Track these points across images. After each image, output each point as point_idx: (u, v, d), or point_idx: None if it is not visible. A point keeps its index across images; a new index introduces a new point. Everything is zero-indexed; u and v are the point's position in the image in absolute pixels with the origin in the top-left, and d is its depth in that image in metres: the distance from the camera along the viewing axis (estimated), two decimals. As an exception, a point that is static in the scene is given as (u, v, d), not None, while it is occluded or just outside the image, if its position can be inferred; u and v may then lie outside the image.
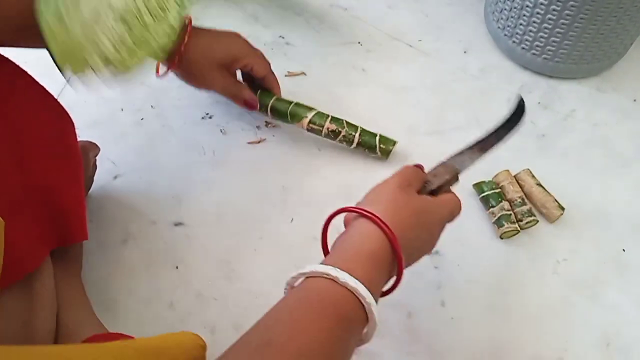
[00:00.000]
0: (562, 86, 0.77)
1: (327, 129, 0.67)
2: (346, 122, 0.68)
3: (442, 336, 0.57)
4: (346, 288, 0.38)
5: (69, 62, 0.42)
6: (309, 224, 0.64)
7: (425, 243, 0.48)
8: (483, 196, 0.64)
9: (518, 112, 0.58)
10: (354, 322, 0.38)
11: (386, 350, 0.56)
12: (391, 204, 0.44)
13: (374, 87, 0.76)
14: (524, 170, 0.66)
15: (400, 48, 0.81)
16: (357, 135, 0.67)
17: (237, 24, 0.82)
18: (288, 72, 0.77)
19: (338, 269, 0.38)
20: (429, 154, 0.70)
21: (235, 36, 0.65)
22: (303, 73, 0.77)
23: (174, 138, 0.70)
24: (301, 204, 0.66)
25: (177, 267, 0.61)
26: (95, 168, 0.65)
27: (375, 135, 0.68)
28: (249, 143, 0.70)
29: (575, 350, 0.56)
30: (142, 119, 0.72)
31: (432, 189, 0.51)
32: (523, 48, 0.75)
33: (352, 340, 0.38)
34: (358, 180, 0.67)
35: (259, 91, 0.68)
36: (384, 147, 0.67)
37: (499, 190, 0.64)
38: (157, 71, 0.63)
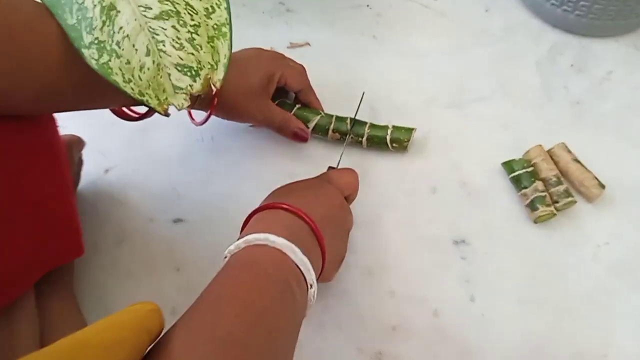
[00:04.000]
0: (597, 46, 0.70)
1: (331, 138, 0.63)
2: (351, 119, 0.62)
3: (472, 335, 0.53)
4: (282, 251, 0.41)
5: (149, 94, 0.39)
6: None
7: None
8: (513, 176, 0.59)
9: None
10: (297, 282, 0.41)
11: (412, 352, 0.53)
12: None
13: (387, 56, 0.70)
14: (558, 144, 0.61)
15: (413, 9, 0.74)
16: (365, 133, 0.62)
17: (231, -10, 0.75)
18: (290, 43, 0.71)
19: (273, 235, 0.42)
20: (453, 129, 0.65)
21: (260, 52, 0.60)
22: (307, 44, 0.71)
23: (169, 123, 0.65)
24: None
25: (178, 269, 0.58)
26: (82, 164, 0.60)
27: (387, 128, 0.62)
28: (251, 126, 0.65)
29: (621, 345, 0.52)
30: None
31: None
32: (553, 4, 0.69)
33: (299, 301, 0.41)
34: (374, 167, 0.63)
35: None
36: (396, 145, 0.62)
37: (531, 168, 0.59)
38: (191, 117, 0.58)
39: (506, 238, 0.58)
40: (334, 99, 0.64)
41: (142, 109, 0.52)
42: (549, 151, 0.61)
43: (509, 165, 0.60)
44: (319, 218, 0.46)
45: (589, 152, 0.61)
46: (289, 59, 0.63)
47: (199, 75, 0.40)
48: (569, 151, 0.60)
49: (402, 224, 0.59)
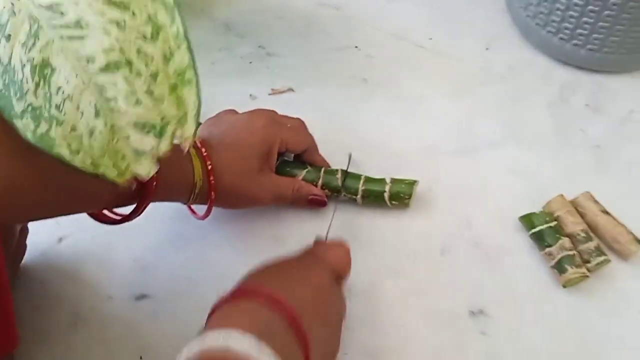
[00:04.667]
0: (613, 82, 0.64)
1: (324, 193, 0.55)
2: (343, 172, 0.55)
3: None
4: None
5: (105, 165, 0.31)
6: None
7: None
8: (534, 232, 0.51)
9: None
10: None
11: None
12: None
13: (380, 100, 0.64)
14: (583, 193, 0.53)
15: (407, 49, 0.68)
16: (359, 189, 0.54)
17: (206, 36, 0.69)
18: (272, 89, 0.64)
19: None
20: (461, 179, 0.57)
21: (250, 122, 0.52)
22: (290, 89, 0.64)
23: (134, 183, 0.57)
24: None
25: (141, 357, 0.48)
26: (26, 232, 0.52)
27: (384, 182, 0.54)
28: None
29: None
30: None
31: None
32: (561, 38, 0.63)
33: None
34: (372, 225, 0.55)
35: None
36: (396, 202, 0.54)
37: (554, 223, 0.51)
38: (193, 211, 0.52)
39: (532, 307, 0.49)
40: (322, 149, 0.56)
41: (126, 210, 0.45)
42: (572, 202, 0.53)
43: (528, 220, 0.52)
44: (303, 306, 0.38)
45: (617, 201, 0.53)
46: (284, 117, 0.55)
47: (164, 132, 0.33)
48: (596, 201, 0.53)
49: (407, 294, 0.51)
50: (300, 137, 0.54)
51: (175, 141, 0.33)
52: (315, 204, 0.54)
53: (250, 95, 0.63)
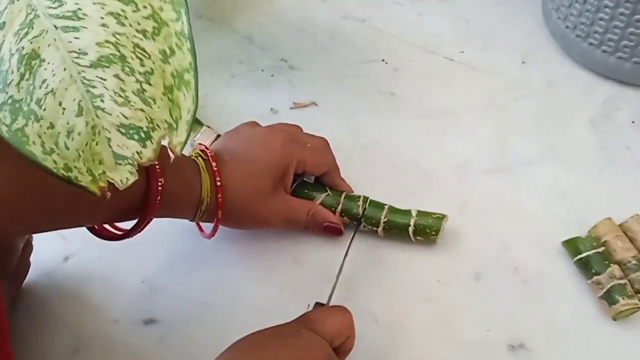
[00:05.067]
0: (661, 98, 0.60)
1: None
2: (364, 198, 0.51)
3: None
4: None
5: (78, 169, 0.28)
6: (334, 311, 0.47)
7: None
8: (580, 259, 0.47)
9: None
10: None
11: None
12: None
13: (408, 116, 0.60)
14: (632, 217, 0.49)
15: (437, 63, 0.65)
16: (381, 221, 0.50)
17: (227, 48, 0.67)
18: (294, 103, 0.61)
19: None
20: (496, 200, 0.53)
21: (267, 138, 0.48)
22: (314, 103, 0.61)
23: (146, 199, 0.55)
24: (319, 280, 0.49)
25: (146, 388, 0.45)
26: (30, 249, 0.49)
27: (410, 215, 0.49)
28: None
29: None
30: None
31: None
32: (604, 51, 0.59)
33: None
34: (398, 247, 0.51)
35: None
36: (421, 238, 0.49)
37: (602, 248, 0.46)
38: (201, 229, 0.50)
39: (578, 341, 0.45)
40: (346, 166, 0.53)
41: (127, 225, 0.42)
42: (621, 226, 0.49)
43: (572, 245, 0.48)
44: None
45: (671, 225, 0.48)
46: (305, 134, 0.52)
47: (150, 138, 0.29)
48: (648, 225, 0.48)
49: (438, 324, 0.46)
50: (321, 159, 0.51)
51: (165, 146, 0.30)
52: (331, 232, 0.50)
53: (272, 109, 0.60)
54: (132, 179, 0.28)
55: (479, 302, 0.47)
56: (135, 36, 0.28)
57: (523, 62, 0.64)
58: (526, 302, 0.47)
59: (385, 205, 0.50)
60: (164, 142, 0.30)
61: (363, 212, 0.50)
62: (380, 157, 0.56)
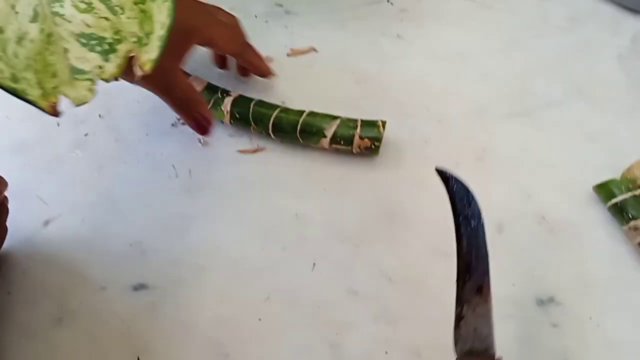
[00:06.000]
0: (694, 30, 0.55)
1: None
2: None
3: None
4: None
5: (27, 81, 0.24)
6: (341, 268, 0.44)
7: None
8: (614, 203, 0.43)
9: (459, 194, 0.36)
10: None
11: None
12: None
13: (418, 59, 0.56)
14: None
15: (448, 2, 0.60)
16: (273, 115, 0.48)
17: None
18: (291, 49, 0.57)
19: None
20: (517, 145, 0.49)
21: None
22: (313, 49, 0.57)
23: (133, 157, 0.51)
24: (325, 239, 0.45)
25: (138, 358, 0.41)
26: (6, 212, 0.45)
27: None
28: (240, 152, 0.50)
29: None
30: (86, 135, 0.52)
31: None
32: (633, -21, 0.54)
33: None
34: (398, 193, 0.47)
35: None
36: (309, 133, 0.48)
37: (638, 191, 0.42)
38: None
39: (614, 293, 0.41)
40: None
41: None
42: (658, 166, 0.45)
43: (605, 189, 0.44)
44: None
45: None
46: (220, 10, 0.48)
47: (114, 50, 0.25)
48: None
49: (459, 280, 0.43)
50: (233, 36, 0.48)
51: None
52: (197, 126, 0.46)
53: (267, 56, 0.56)
54: (90, 97, 0.25)
55: (502, 255, 0.43)
56: None
57: (542, -2, 0.59)
58: (554, 253, 0.43)
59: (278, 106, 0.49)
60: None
61: (252, 111, 0.49)
62: (388, 106, 0.52)
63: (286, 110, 0.49)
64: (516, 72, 0.54)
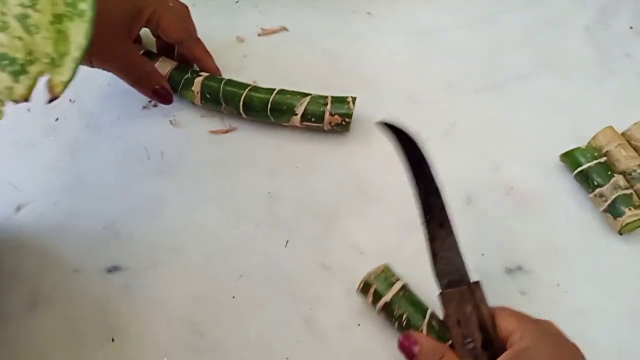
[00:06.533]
0: (661, 1, 0.56)
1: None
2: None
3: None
4: None
5: None
6: (314, 244, 0.44)
7: None
8: (580, 171, 0.43)
9: (405, 141, 0.37)
10: None
11: None
12: None
13: (388, 36, 0.56)
14: (635, 123, 0.45)
15: (417, -21, 0.60)
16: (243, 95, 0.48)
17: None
18: (262, 29, 0.56)
19: None
20: (487, 118, 0.50)
21: None
22: (284, 28, 0.56)
23: (104, 141, 0.50)
24: (297, 215, 0.46)
25: (112, 340, 0.41)
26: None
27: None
28: (212, 132, 0.50)
29: None
30: (56, 120, 0.52)
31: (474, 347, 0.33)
32: (598, -49, 0.54)
33: None
34: (369, 169, 0.47)
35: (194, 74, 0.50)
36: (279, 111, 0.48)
37: (604, 159, 0.43)
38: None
39: (581, 259, 0.42)
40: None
41: None
42: (624, 134, 0.45)
43: (571, 158, 0.44)
44: None
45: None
46: None
47: (25, 72, 0.25)
48: (652, 132, 0.45)
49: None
50: (179, 22, 0.49)
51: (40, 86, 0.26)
52: (158, 97, 0.48)
53: (237, 37, 0.56)
54: None
55: (471, 226, 0.44)
56: None
57: (510, -27, 0.59)
58: (523, 222, 0.44)
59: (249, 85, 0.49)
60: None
61: (222, 90, 0.49)
62: (360, 82, 0.52)
63: (256, 88, 0.49)
64: (485, 47, 0.54)
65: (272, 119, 0.48)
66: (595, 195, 0.42)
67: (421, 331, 0.37)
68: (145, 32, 0.51)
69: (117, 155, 0.50)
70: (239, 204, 0.47)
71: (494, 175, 0.46)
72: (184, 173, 0.48)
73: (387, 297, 0.39)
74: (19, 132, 0.51)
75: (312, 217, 0.45)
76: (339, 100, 0.47)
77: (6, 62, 0.25)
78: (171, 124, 0.51)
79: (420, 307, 0.39)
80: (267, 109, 0.48)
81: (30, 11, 0.25)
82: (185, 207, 0.47)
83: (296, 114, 0.47)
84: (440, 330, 0.37)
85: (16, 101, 0.25)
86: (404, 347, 0.35)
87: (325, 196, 0.46)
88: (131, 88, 0.49)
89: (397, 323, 0.38)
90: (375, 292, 0.39)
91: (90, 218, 0.47)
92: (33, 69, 0.25)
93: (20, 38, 0.25)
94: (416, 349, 0.34)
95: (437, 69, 0.53)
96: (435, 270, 0.36)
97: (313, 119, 0.47)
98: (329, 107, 0.47)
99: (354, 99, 0.47)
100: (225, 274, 0.44)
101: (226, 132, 0.50)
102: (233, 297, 0.42)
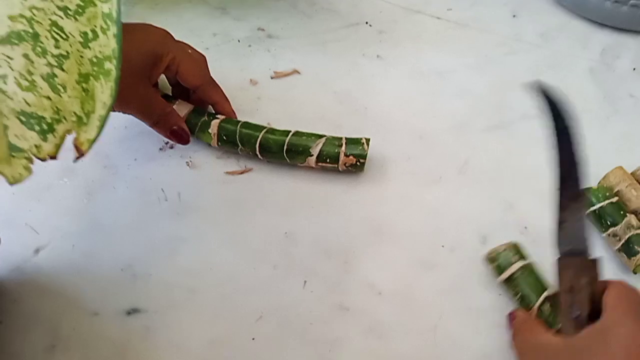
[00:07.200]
0: (660, 43, 0.57)
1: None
2: (242, 123, 0.50)
3: None
4: None
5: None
6: (331, 284, 0.44)
7: None
8: (593, 211, 0.44)
9: (556, 109, 0.39)
10: None
11: None
12: None
13: (397, 77, 0.57)
14: (643, 165, 0.46)
15: (424, 23, 0.62)
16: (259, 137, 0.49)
17: (201, 21, 0.63)
18: (275, 72, 0.57)
19: None
20: (497, 158, 0.50)
21: (149, 27, 0.48)
22: (296, 71, 0.58)
23: (122, 183, 0.51)
24: (315, 256, 0.46)
25: (133, 383, 0.41)
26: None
27: (287, 133, 0.49)
28: (227, 173, 0.50)
29: None
30: (74, 162, 0.52)
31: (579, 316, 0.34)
32: (600, -4, 0.56)
33: None
34: (390, 208, 0.48)
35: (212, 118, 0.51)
36: (295, 153, 0.49)
37: (615, 199, 0.44)
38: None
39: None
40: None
41: None
42: (633, 174, 0.46)
43: (583, 197, 0.45)
44: None
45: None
46: (187, 45, 0.50)
47: (52, 130, 0.26)
48: (661, 172, 0.45)
49: (446, 292, 0.43)
50: (197, 68, 0.50)
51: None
52: (176, 137, 0.49)
53: (251, 80, 0.57)
54: (26, 175, 0.25)
55: (488, 266, 0.44)
56: (55, 13, 0.25)
57: (514, 16, 0.61)
58: (537, 262, 0.44)
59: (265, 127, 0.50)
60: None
61: (239, 133, 0.49)
62: (371, 122, 0.53)
63: (272, 130, 0.49)
64: (492, 87, 0.55)
65: (287, 159, 0.49)
66: (609, 235, 0.43)
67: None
68: (161, 77, 0.52)
69: (134, 196, 0.50)
70: (256, 245, 0.47)
71: (508, 213, 0.47)
72: (200, 214, 0.48)
73: (506, 274, 0.41)
74: (37, 174, 0.51)
75: (329, 258, 0.45)
76: (354, 142, 0.48)
77: (34, 120, 0.25)
78: (187, 165, 0.51)
79: (538, 287, 0.41)
80: (283, 150, 0.48)
81: (57, 70, 0.26)
82: (202, 248, 0.47)
83: (312, 155, 0.48)
84: (550, 315, 0.39)
85: (43, 159, 0.25)
86: (509, 320, 0.40)
87: (341, 236, 0.46)
88: (147, 130, 0.50)
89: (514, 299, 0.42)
90: (498, 266, 0.42)
91: (108, 260, 0.47)
92: (60, 128, 0.26)
93: (47, 97, 0.25)
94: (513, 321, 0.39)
95: (446, 110, 0.54)
96: (558, 237, 0.37)
97: (328, 160, 0.48)
98: (343, 148, 0.47)
99: (367, 140, 0.48)
100: (243, 316, 0.43)
101: (242, 173, 0.50)
102: (252, 339, 0.42)
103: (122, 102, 0.47)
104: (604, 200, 0.43)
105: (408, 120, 0.53)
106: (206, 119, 0.50)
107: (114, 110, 0.47)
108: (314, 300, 0.44)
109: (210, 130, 0.50)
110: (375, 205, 0.48)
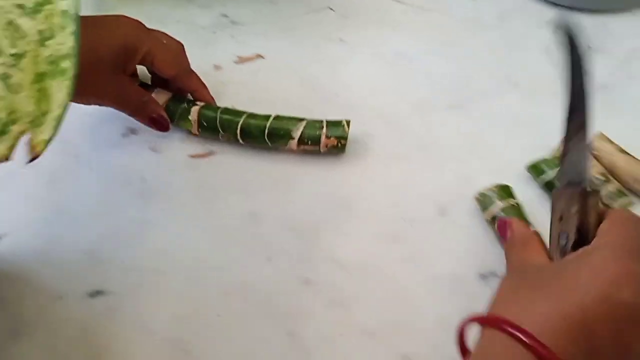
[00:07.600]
0: (613, 23, 0.59)
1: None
2: (221, 109, 0.51)
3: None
4: None
5: None
6: (296, 260, 0.45)
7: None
8: (547, 182, 0.45)
9: (574, 45, 0.39)
10: None
11: None
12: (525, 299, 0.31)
13: (361, 61, 0.58)
14: (595, 134, 0.47)
15: (385, 7, 0.62)
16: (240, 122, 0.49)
17: (162, 9, 0.63)
18: (239, 57, 0.58)
19: None
20: (457, 135, 0.51)
21: (121, 18, 0.47)
22: (260, 56, 0.58)
23: (85, 169, 0.50)
24: (280, 233, 0.46)
25: (98, 363, 0.41)
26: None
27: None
28: (192, 157, 0.51)
29: None
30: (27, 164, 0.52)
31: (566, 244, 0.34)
32: (553, -23, 0.57)
33: None
34: (352, 186, 0.49)
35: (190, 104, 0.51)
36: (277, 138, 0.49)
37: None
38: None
39: (553, 264, 0.43)
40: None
41: None
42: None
43: (536, 168, 0.46)
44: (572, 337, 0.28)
45: (631, 140, 0.47)
46: (163, 34, 0.50)
47: (6, 131, 0.26)
48: (610, 141, 0.47)
49: (406, 262, 0.44)
50: (173, 58, 0.50)
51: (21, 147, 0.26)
52: (155, 124, 0.49)
53: (215, 65, 0.57)
54: None
55: (445, 237, 0.45)
56: (12, 12, 0.25)
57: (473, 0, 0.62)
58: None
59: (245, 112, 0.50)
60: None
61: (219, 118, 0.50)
62: (336, 105, 0.54)
63: (253, 115, 0.49)
64: (452, 68, 0.56)
65: (269, 144, 0.49)
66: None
67: None
68: (140, 67, 0.52)
69: (98, 182, 0.50)
70: (221, 225, 0.47)
71: (465, 187, 0.47)
72: (165, 197, 0.49)
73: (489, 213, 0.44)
74: None
75: (293, 235, 0.46)
76: (334, 124, 0.48)
77: None
78: (151, 150, 0.51)
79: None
80: (264, 134, 0.48)
81: (12, 70, 0.26)
82: (167, 231, 0.47)
83: (293, 138, 0.48)
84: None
85: None
86: (500, 228, 0.41)
87: (305, 214, 0.47)
88: (110, 117, 0.50)
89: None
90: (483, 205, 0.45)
91: (71, 245, 0.46)
92: (15, 129, 0.26)
93: (2, 97, 0.25)
94: (509, 232, 0.38)
95: (408, 90, 0.55)
96: (560, 169, 0.38)
97: (310, 142, 0.48)
98: (324, 130, 0.48)
99: (348, 122, 0.48)
100: (209, 293, 0.44)
101: (206, 155, 0.51)
102: (218, 315, 0.42)
103: (97, 95, 0.47)
104: (556, 169, 0.45)
105: (371, 102, 0.54)
106: (186, 106, 0.50)
107: (90, 104, 0.48)
108: (278, 276, 0.44)
109: (190, 117, 0.50)
110: (340, 184, 0.49)
